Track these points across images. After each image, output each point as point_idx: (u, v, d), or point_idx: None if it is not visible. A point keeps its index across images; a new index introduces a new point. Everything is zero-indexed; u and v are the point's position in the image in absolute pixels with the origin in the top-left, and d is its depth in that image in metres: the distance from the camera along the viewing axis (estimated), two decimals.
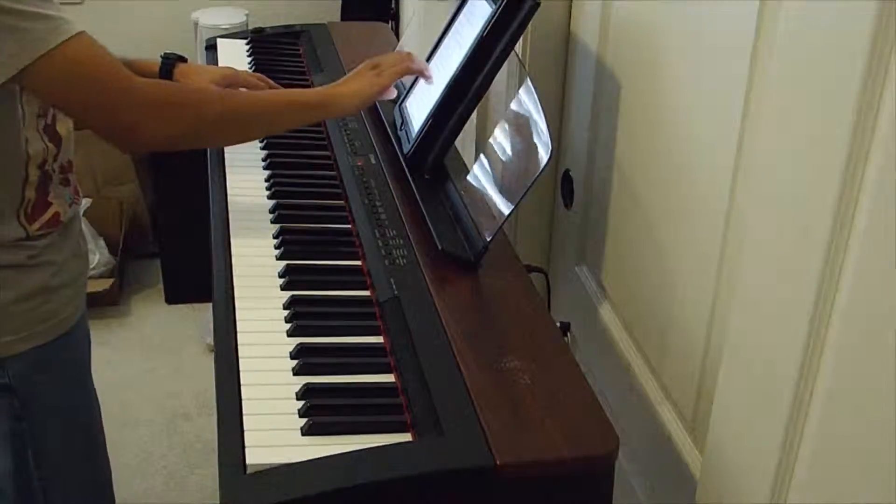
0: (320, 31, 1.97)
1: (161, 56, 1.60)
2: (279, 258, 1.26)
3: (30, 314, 1.28)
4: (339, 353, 1.11)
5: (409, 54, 1.44)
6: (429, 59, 1.47)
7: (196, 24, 2.93)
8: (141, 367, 2.74)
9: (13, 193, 1.23)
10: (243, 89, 1.52)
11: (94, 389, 1.53)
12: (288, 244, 1.29)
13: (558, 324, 1.22)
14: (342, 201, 1.40)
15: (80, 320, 1.39)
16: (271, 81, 1.69)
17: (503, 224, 1.22)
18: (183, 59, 1.62)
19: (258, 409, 1.01)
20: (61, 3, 1.15)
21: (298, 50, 1.92)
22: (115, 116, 1.19)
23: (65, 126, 1.30)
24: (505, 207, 1.22)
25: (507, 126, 1.30)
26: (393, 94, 1.41)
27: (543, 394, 1.03)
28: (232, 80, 1.65)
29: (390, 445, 0.97)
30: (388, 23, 2.92)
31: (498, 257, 1.26)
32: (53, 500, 1.39)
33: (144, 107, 1.20)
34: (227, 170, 1.47)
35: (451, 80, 1.35)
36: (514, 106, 1.29)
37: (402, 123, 1.48)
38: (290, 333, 1.13)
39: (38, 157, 1.24)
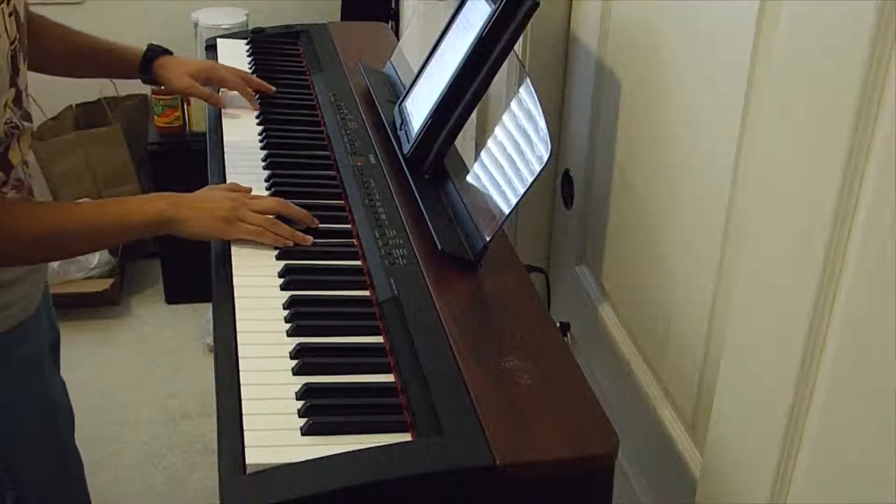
0: (320, 31, 1.97)
1: (147, 45, 1.61)
2: (279, 258, 1.26)
3: None
4: (339, 353, 1.11)
5: (273, 222, 1.27)
6: (429, 58, 1.47)
7: (196, 24, 2.93)
8: (141, 367, 2.74)
9: None
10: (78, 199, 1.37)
11: (60, 382, 1.51)
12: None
13: (558, 324, 1.23)
14: (342, 201, 1.40)
15: (36, 312, 1.37)
16: (254, 78, 1.69)
17: (503, 224, 1.22)
18: (168, 52, 1.63)
19: (258, 409, 1.01)
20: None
21: (298, 50, 1.92)
22: None
23: (17, 155, 1.27)
24: (505, 207, 1.22)
25: (507, 126, 1.30)
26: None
27: (543, 394, 1.03)
28: (209, 73, 1.66)
29: (390, 445, 0.97)
30: (388, 23, 2.92)
31: (498, 257, 1.26)
32: (21, 493, 1.38)
33: None
34: (227, 170, 1.47)
35: (450, 80, 1.35)
36: (514, 106, 1.29)
37: (401, 123, 1.48)
38: (290, 333, 1.13)
39: None
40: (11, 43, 1.21)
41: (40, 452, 1.42)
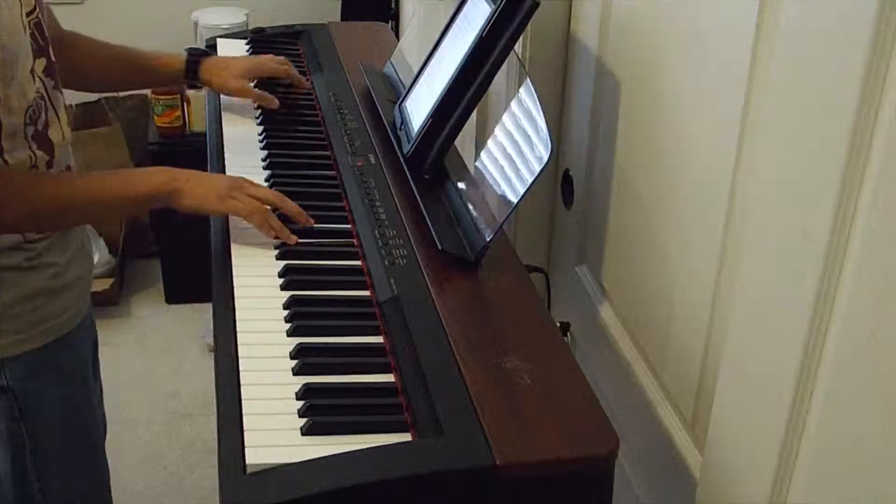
0: (320, 31, 1.97)
1: (186, 50, 1.61)
2: (279, 258, 1.26)
3: (30, 316, 1.27)
4: (339, 353, 1.11)
5: (279, 198, 1.29)
6: (429, 58, 1.48)
7: (196, 24, 2.93)
8: (141, 367, 2.74)
9: None
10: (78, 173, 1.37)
11: (98, 389, 1.52)
12: (287, 244, 1.29)
13: (558, 324, 1.22)
14: (342, 201, 1.40)
15: (83, 321, 1.38)
16: (293, 70, 1.69)
17: (503, 224, 1.22)
18: (208, 54, 1.63)
19: (258, 409, 1.01)
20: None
21: (298, 50, 1.92)
22: None
23: (58, 132, 1.29)
24: (505, 207, 1.22)
25: (507, 126, 1.30)
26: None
27: (543, 394, 1.03)
28: (257, 71, 1.65)
29: (390, 445, 0.97)
30: (388, 23, 2.92)
31: (498, 257, 1.26)
32: (51, 500, 1.39)
33: None
34: (227, 170, 1.47)
35: (450, 80, 1.35)
36: (514, 106, 1.29)
37: (401, 123, 1.48)
38: (290, 333, 1.13)
39: (23, 166, 1.23)
40: (30, 13, 1.21)
41: (72, 460, 1.42)
